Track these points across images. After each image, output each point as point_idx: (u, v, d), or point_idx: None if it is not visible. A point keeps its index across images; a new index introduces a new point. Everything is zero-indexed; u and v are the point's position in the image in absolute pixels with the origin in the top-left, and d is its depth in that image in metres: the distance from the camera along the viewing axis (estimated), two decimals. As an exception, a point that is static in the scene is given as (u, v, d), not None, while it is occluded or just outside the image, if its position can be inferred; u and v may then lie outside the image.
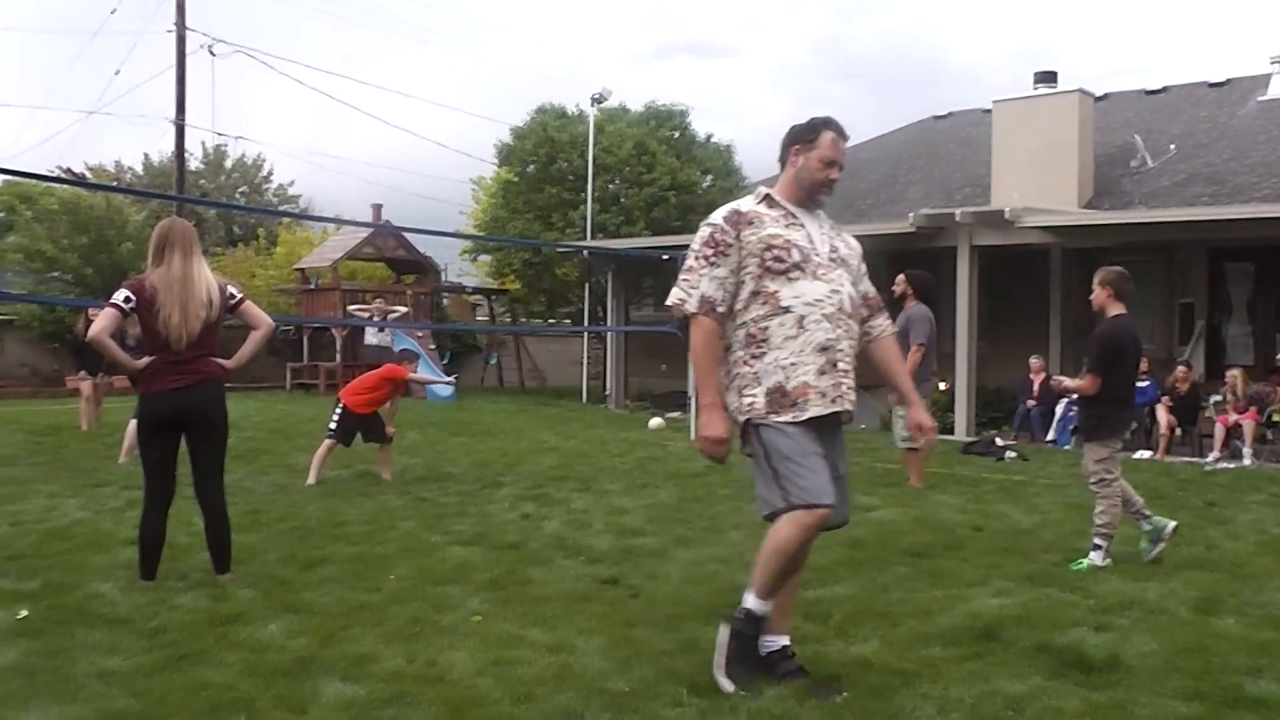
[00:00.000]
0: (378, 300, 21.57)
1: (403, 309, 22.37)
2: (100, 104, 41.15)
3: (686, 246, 13.43)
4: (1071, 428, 13.63)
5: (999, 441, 12.69)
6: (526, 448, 12.37)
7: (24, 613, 4.84)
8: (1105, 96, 20.82)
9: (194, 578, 5.55)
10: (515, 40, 78.33)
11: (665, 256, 15.69)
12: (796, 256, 3.93)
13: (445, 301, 29.64)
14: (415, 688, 3.92)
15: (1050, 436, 14.12)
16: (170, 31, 24.82)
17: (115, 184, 37.20)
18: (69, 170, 38.97)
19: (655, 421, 15.78)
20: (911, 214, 15.48)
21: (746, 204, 4.08)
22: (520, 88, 70.56)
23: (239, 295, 5.59)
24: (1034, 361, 14.84)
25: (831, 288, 3.96)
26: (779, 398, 3.88)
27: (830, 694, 3.86)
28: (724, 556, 6.34)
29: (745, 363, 3.95)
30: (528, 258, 24.07)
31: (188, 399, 5.34)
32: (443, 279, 30.91)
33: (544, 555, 6.34)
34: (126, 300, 5.27)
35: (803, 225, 4.03)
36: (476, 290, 30.19)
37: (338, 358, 23.42)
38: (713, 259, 3.96)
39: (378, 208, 28.20)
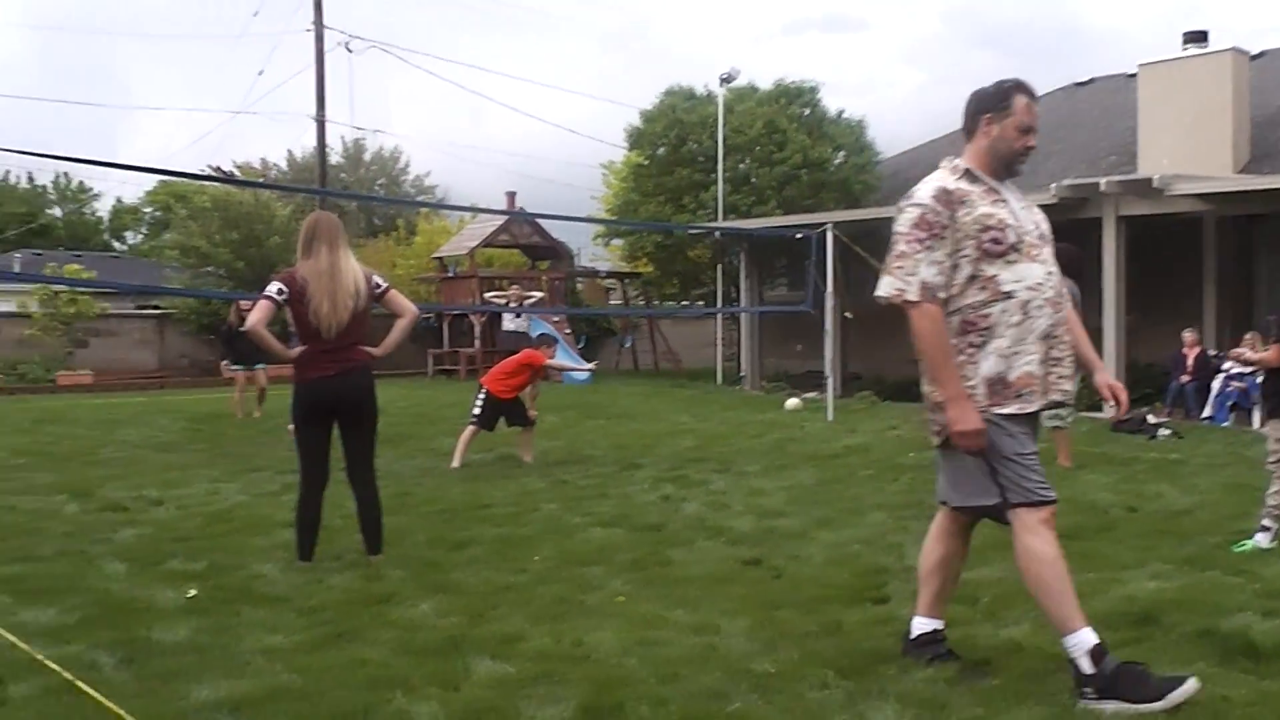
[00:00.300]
0: (514, 286, 21.91)
1: (539, 294, 22.68)
2: (246, 104, 42.81)
3: (820, 225, 13.13)
4: (1230, 404, 13.08)
5: (1151, 419, 12.22)
6: (663, 430, 12.42)
7: (193, 592, 5.07)
8: (1262, 54, 19.82)
9: (347, 558, 5.73)
10: (643, 23, 78.44)
11: (798, 235, 15.54)
12: (1012, 238, 3.67)
13: (579, 286, 29.95)
14: (563, 666, 3.98)
15: (1206, 413, 13.53)
16: (309, 31, 25.61)
17: (262, 180, 38.58)
18: (218, 169, 40.53)
19: (792, 402, 15.66)
20: (1053, 185, 14.98)
21: (949, 180, 3.74)
22: (649, 71, 70.62)
23: (384, 284, 5.73)
24: (1187, 335, 14.25)
25: (1047, 269, 3.72)
26: (1000, 388, 3.66)
27: (981, 678, 3.79)
28: (866, 538, 6.27)
29: (961, 351, 3.68)
30: (660, 240, 24.12)
31: (338, 386, 5.51)
32: (576, 264, 31.23)
33: (685, 536, 6.36)
34: (279, 292, 5.45)
35: (1006, 201, 3.77)
36: (610, 274, 30.45)
37: (476, 344, 23.89)
38: (928, 242, 3.65)
39: (512, 195, 28.64)
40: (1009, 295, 3.66)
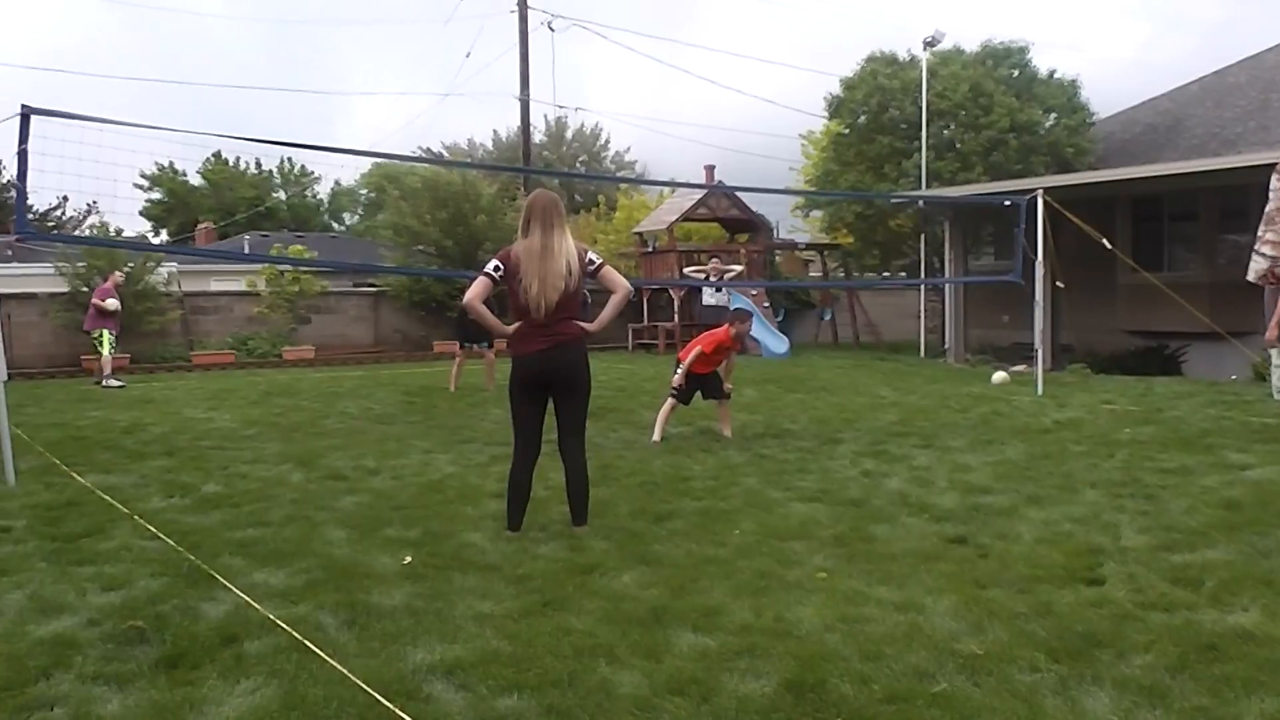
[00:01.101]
0: (713, 260, 21.89)
1: (737, 268, 22.59)
2: (453, 86, 44.36)
3: (1030, 192, 12.58)
4: None
5: None
6: (864, 403, 12.24)
7: (408, 558, 5.30)
8: None
9: (553, 529, 5.88)
10: (843, -11, 76.85)
11: (1006, 203, 14.99)
12: None
13: (778, 259, 29.76)
14: (765, 641, 3.98)
15: None
16: (513, 12, 26.24)
17: (468, 160, 39.77)
18: (428, 150, 41.98)
19: (999, 375, 15.18)
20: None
21: None
22: (849, 38, 69.22)
23: (598, 261, 5.82)
24: None
25: None
26: None
27: (1206, 666, 3.59)
28: (1080, 516, 6.03)
29: None
30: (860, 211, 23.72)
31: (550, 359, 5.65)
32: (775, 236, 31.02)
33: (887, 512, 6.26)
34: (495, 269, 5.65)
35: None
36: (809, 246, 30.13)
37: (675, 318, 24.04)
38: None
39: (710, 168, 28.69)
40: None
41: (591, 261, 5.76)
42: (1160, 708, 3.33)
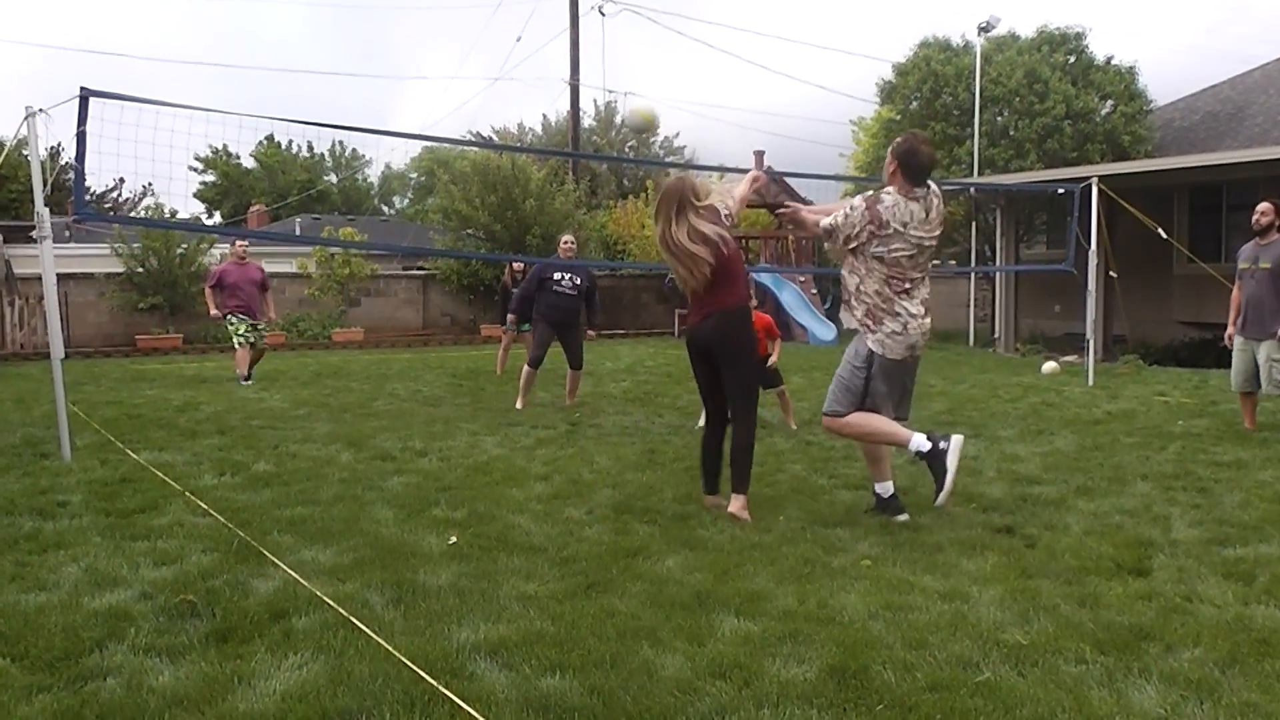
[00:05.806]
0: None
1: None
2: (504, 71, 44.57)
3: (1084, 180, 12.46)
4: None
5: None
6: (913, 393, 12.12)
7: (453, 539, 5.35)
8: None
9: (599, 512, 5.91)
10: (896, -26, 76.16)
11: (1059, 190, 14.81)
12: None
13: (826, 245, 29.60)
14: (808, 627, 3.98)
15: None
16: (564, -4, 26.25)
17: (518, 145, 39.88)
18: (478, 134, 42.16)
19: (1049, 365, 15.03)
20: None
21: None
22: (902, 23, 68.50)
23: (732, 211, 6.22)
24: None
25: None
26: None
27: (1258, 661, 3.55)
28: (1130, 509, 5.96)
29: None
30: (911, 198, 23.50)
31: (700, 331, 5.96)
32: (824, 223, 30.87)
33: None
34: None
35: None
36: (858, 233, 29.93)
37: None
38: None
39: (760, 154, 28.60)
40: None
41: (729, 216, 6.14)
42: (1209, 702, 3.29)
